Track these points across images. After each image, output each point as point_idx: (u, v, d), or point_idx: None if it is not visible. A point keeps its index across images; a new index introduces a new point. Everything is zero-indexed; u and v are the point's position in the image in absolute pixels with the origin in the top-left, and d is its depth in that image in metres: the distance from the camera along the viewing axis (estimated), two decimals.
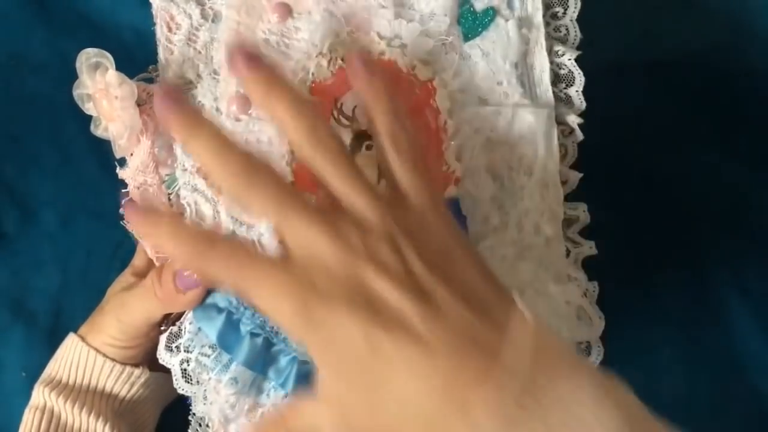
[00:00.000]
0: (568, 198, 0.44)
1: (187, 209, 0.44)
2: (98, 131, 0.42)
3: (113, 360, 0.46)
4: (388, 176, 0.32)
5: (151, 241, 0.32)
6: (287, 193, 0.30)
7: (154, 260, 0.45)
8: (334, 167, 0.31)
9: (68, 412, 0.45)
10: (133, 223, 0.32)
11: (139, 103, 0.41)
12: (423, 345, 0.28)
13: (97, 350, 0.46)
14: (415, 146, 0.33)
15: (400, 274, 0.29)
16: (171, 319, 0.44)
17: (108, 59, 0.40)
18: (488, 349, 0.28)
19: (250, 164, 0.30)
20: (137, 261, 0.49)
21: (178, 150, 0.44)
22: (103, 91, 0.40)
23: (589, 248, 0.44)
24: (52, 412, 0.46)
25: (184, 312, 0.43)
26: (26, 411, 0.46)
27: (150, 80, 0.44)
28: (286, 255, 0.30)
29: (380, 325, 0.28)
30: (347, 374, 0.29)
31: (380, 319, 0.28)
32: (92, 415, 0.46)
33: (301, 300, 0.29)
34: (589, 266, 0.45)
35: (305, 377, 0.41)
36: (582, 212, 0.44)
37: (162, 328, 0.44)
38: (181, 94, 0.32)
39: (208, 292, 0.43)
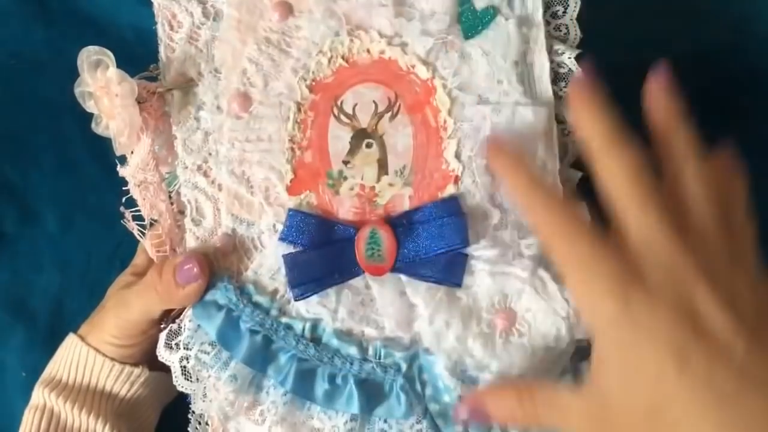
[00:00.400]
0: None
1: (188, 207, 0.44)
2: (99, 129, 0.42)
3: (112, 359, 0.46)
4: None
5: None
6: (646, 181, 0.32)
7: (155, 259, 0.45)
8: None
9: (68, 412, 0.45)
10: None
11: (140, 101, 0.41)
12: (738, 373, 0.28)
13: (97, 349, 0.46)
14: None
15: (732, 299, 0.30)
16: (171, 317, 0.44)
17: (109, 57, 0.40)
18: None
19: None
20: (137, 260, 0.49)
21: (179, 147, 0.44)
22: (103, 89, 0.40)
23: None
24: (51, 412, 0.46)
25: (184, 310, 0.43)
26: (26, 411, 0.46)
27: (151, 79, 0.44)
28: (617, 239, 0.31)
29: (699, 340, 0.29)
30: (635, 381, 0.30)
31: (700, 334, 0.29)
32: (92, 415, 0.45)
33: (624, 289, 0.30)
34: None
35: (305, 375, 0.41)
36: (582, 212, 0.44)
37: (162, 326, 0.44)
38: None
39: (207, 288, 0.43)
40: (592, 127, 0.34)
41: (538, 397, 0.34)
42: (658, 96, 0.36)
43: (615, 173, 0.33)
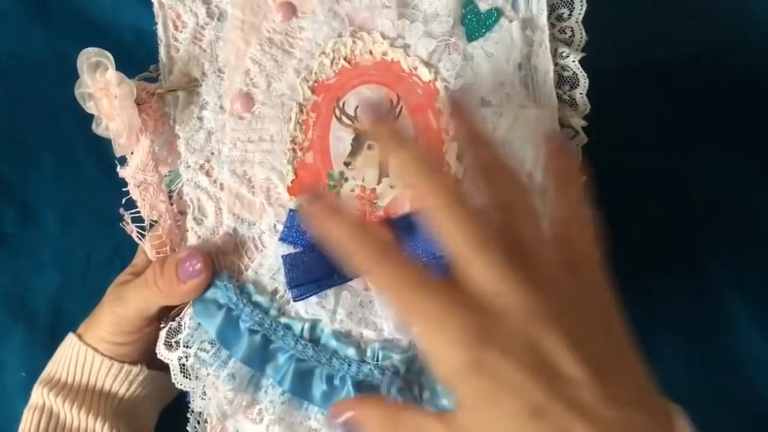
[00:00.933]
0: None
1: (190, 206, 0.44)
2: (99, 130, 0.42)
3: (110, 358, 0.46)
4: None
5: (328, 235, 0.32)
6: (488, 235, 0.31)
7: (154, 260, 0.44)
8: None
9: (67, 411, 0.45)
10: (313, 220, 0.32)
11: (139, 103, 0.41)
12: (591, 423, 0.28)
13: (95, 349, 0.46)
14: None
15: (583, 344, 0.29)
16: (171, 315, 0.44)
17: (108, 59, 0.40)
18: None
19: None
20: (137, 260, 0.49)
21: (182, 147, 0.44)
22: (103, 91, 0.40)
23: None
24: (51, 411, 0.45)
25: (183, 309, 0.43)
26: (25, 411, 0.46)
27: (151, 79, 0.44)
28: (462, 293, 0.30)
29: (552, 391, 0.28)
30: (492, 429, 0.29)
31: (554, 385, 0.28)
32: (91, 414, 0.45)
33: (476, 342, 0.29)
34: None
35: (303, 375, 0.41)
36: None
37: (162, 324, 0.44)
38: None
39: (207, 286, 0.43)
40: (428, 188, 0.32)
41: (404, 421, 0.33)
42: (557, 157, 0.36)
43: (452, 229, 0.31)
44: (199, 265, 0.42)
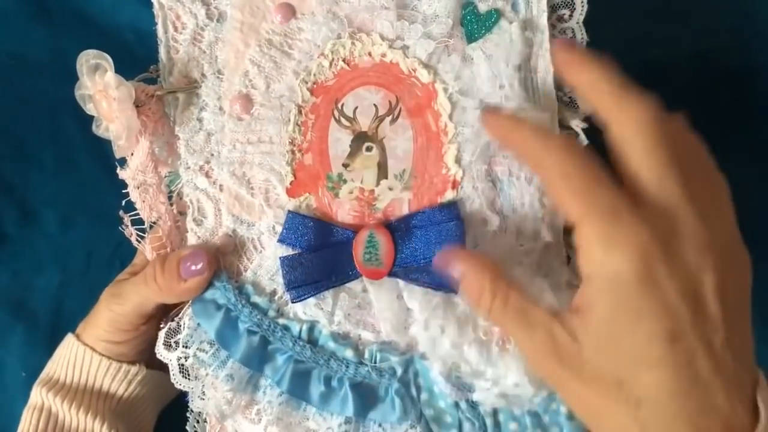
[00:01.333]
0: None
1: (190, 207, 0.44)
2: (100, 131, 0.42)
3: (108, 357, 0.46)
4: None
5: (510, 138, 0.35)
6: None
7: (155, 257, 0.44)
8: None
9: (66, 411, 0.45)
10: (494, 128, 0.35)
11: (138, 105, 0.41)
12: (713, 364, 0.30)
13: (92, 348, 0.46)
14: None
15: (723, 285, 0.30)
16: (170, 316, 0.44)
17: (107, 61, 0.40)
18: (746, 407, 0.30)
19: None
20: (137, 260, 0.49)
21: (181, 148, 0.44)
22: (102, 93, 0.40)
23: None
24: (50, 411, 0.46)
25: (182, 309, 0.43)
26: (24, 411, 0.46)
27: (151, 80, 0.44)
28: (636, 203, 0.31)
29: (694, 322, 0.29)
30: (617, 346, 0.30)
31: (697, 317, 0.30)
32: (90, 414, 0.45)
33: (647, 254, 0.29)
34: None
35: (301, 376, 0.41)
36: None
37: (161, 324, 0.44)
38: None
39: (207, 286, 0.43)
40: (599, 86, 0.33)
41: (512, 302, 0.33)
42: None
43: (631, 128, 0.31)
44: (201, 264, 0.42)
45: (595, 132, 0.44)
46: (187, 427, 0.45)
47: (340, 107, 0.43)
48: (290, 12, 0.43)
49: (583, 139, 0.44)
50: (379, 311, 0.42)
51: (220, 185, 0.43)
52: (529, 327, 0.33)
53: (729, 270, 0.31)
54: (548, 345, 0.32)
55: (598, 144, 0.44)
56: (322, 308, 0.42)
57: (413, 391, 0.41)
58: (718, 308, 0.30)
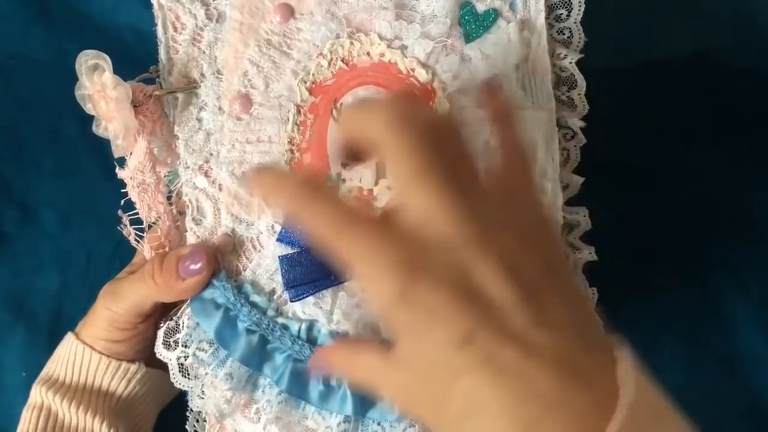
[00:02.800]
0: (569, 201, 0.44)
1: (189, 206, 0.44)
2: (99, 130, 0.42)
3: (107, 356, 0.46)
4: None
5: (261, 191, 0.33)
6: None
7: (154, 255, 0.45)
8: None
9: (65, 410, 0.45)
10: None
11: (136, 104, 0.41)
12: (522, 348, 0.27)
13: (91, 347, 0.46)
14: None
15: (515, 268, 0.28)
16: (169, 315, 0.44)
17: (106, 61, 0.40)
18: (592, 388, 0.27)
19: None
20: (137, 260, 0.49)
21: (181, 148, 0.44)
22: (100, 93, 0.40)
23: (588, 254, 0.44)
24: (49, 410, 0.46)
25: (181, 308, 0.44)
26: (24, 410, 0.46)
27: (151, 81, 0.44)
28: (390, 221, 0.30)
29: (482, 317, 0.28)
30: (430, 361, 0.29)
31: (484, 310, 0.28)
32: (89, 413, 0.45)
33: (406, 272, 0.28)
34: (589, 266, 0.44)
35: (300, 375, 0.41)
36: (582, 217, 0.44)
37: (160, 324, 0.44)
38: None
39: (205, 285, 0.43)
40: (372, 117, 0.31)
41: (361, 361, 0.33)
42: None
43: (395, 151, 0.30)
44: (200, 263, 0.42)
45: (595, 131, 0.44)
46: (187, 427, 0.45)
47: (339, 107, 0.43)
48: (289, 12, 0.43)
49: (582, 138, 0.44)
50: None
51: (219, 185, 0.44)
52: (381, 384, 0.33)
53: (525, 247, 0.29)
54: (396, 392, 0.32)
55: (595, 141, 0.44)
56: (321, 307, 0.42)
57: None
58: (509, 292, 0.28)
